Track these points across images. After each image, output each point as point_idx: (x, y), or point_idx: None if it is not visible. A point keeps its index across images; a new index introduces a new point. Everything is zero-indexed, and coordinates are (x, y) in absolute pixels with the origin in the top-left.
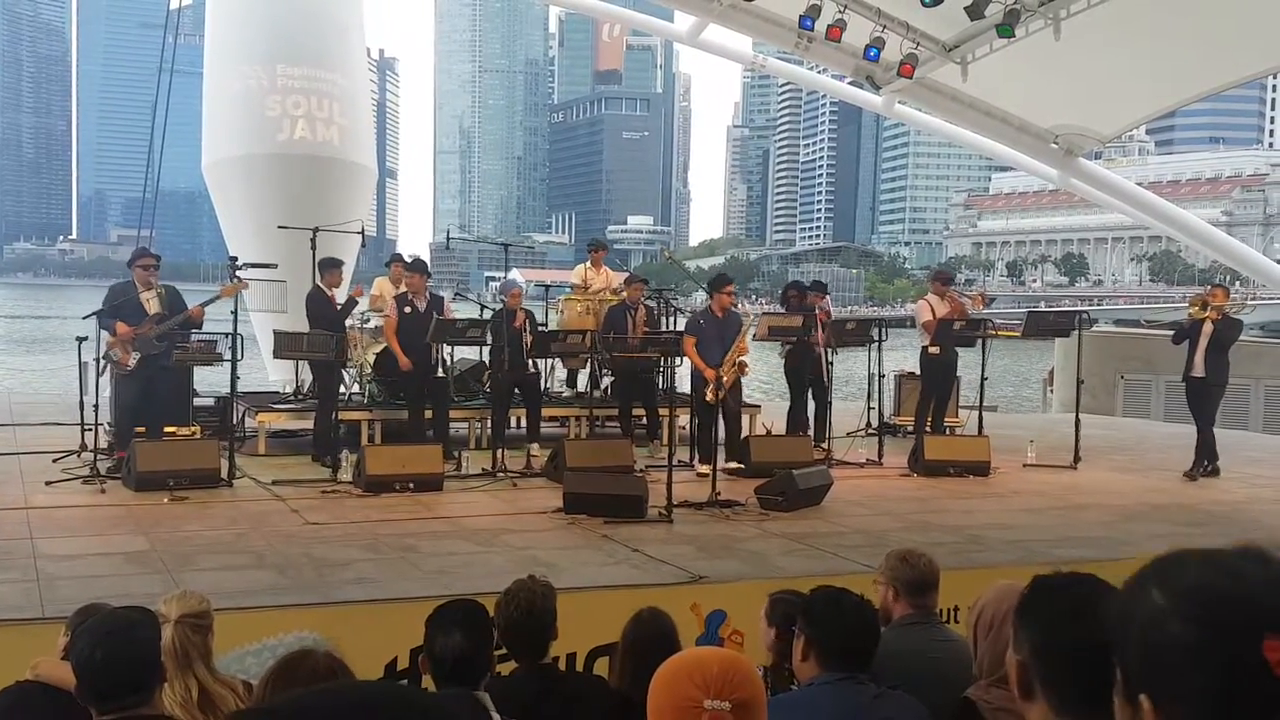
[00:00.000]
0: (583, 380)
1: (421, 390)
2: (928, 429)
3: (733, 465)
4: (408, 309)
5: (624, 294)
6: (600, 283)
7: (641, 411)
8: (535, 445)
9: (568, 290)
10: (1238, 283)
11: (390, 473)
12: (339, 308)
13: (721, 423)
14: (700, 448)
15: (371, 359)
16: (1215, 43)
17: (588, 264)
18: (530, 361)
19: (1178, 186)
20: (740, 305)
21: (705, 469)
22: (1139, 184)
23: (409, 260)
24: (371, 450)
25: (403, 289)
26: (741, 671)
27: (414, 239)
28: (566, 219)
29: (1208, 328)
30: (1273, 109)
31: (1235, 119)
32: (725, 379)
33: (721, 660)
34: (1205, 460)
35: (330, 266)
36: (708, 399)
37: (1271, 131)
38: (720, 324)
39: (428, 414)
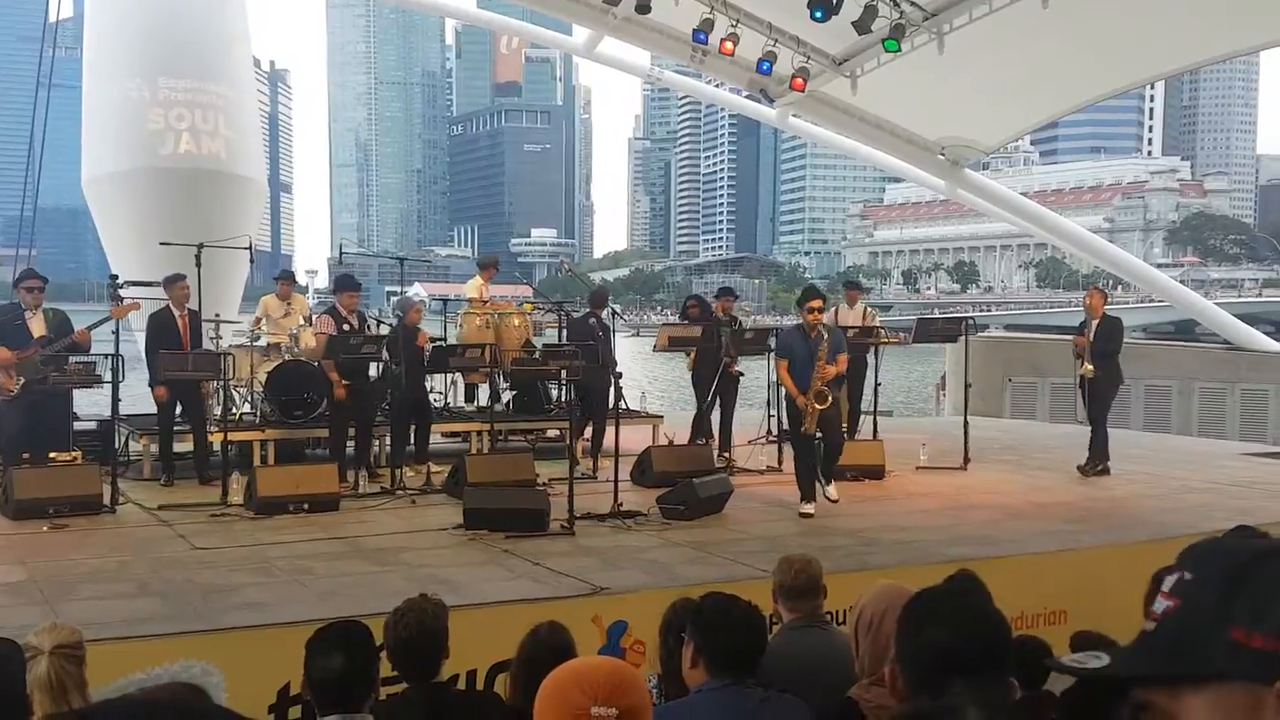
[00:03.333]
0: (483, 395)
1: (353, 410)
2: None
3: (832, 493)
4: (345, 326)
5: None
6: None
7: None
8: (429, 464)
9: (466, 305)
10: (1119, 287)
11: (283, 494)
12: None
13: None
14: (801, 485)
15: (263, 377)
16: (1094, 54)
17: (480, 280)
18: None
19: (1061, 195)
20: (646, 315)
21: (810, 509)
22: (1024, 193)
23: (338, 278)
24: (263, 471)
25: (288, 305)
26: (627, 679)
27: (311, 254)
28: (469, 232)
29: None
30: (1151, 118)
31: (1115, 128)
32: (810, 407)
33: (608, 668)
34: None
35: (170, 282)
36: (805, 429)
37: (1150, 140)
38: (813, 343)
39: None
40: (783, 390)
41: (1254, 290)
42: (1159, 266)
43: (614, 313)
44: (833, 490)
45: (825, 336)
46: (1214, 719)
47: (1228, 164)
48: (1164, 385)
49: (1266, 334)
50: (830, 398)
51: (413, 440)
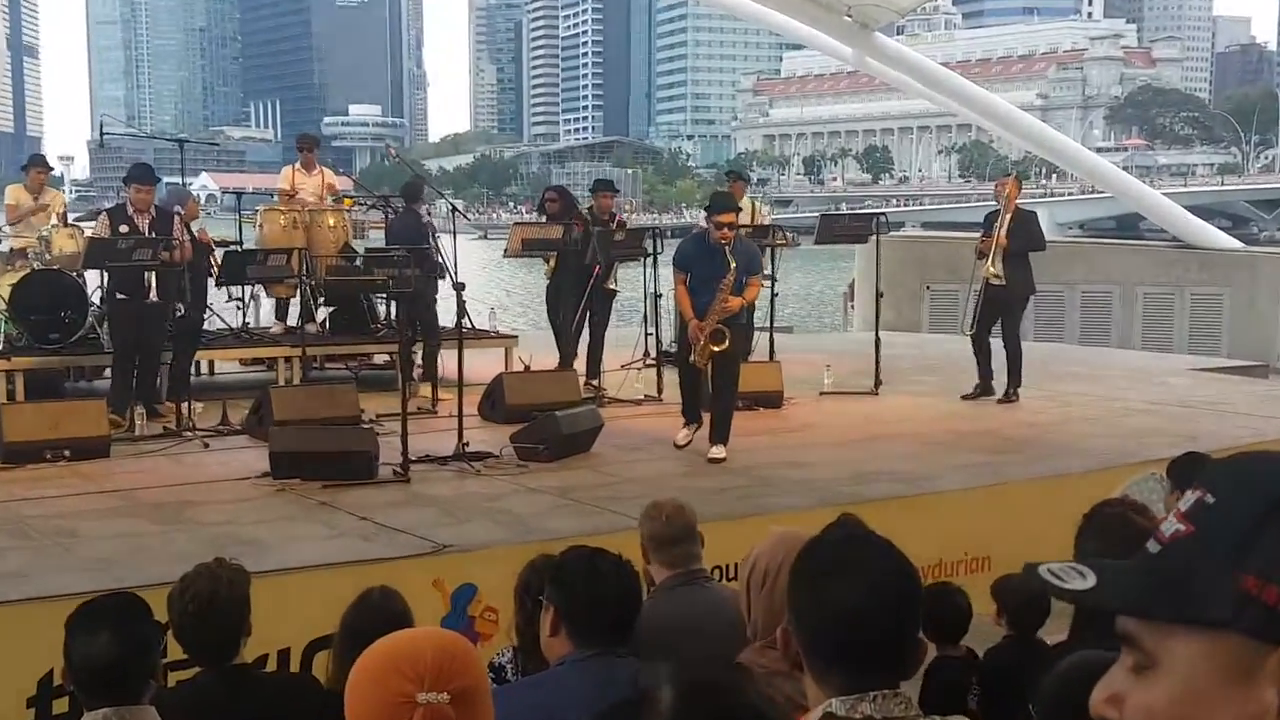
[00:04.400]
0: (292, 313)
1: (136, 333)
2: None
3: (718, 454)
4: (124, 227)
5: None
6: (312, 188)
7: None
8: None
9: (272, 199)
10: (1054, 176)
11: (38, 438)
12: None
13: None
14: (685, 408)
15: (7, 291)
16: None
17: (296, 165)
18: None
19: (988, 66)
20: (495, 213)
21: (683, 437)
22: (944, 64)
23: (130, 170)
24: (10, 410)
25: (40, 199)
26: (460, 655)
27: (66, 135)
28: (270, 109)
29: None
30: None
31: None
32: (704, 343)
33: (435, 644)
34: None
35: None
36: (693, 360)
37: (1090, 1)
38: (718, 263)
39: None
40: (666, 305)
41: (1208, 177)
42: (1099, 150)
43: (454, 209)
44: (719, 451)
45: (733, 264)
46: (1204, 669)
47: (1179, 28)
48: (1103, 291)
49: (1222, 229)
50: (727, 339)
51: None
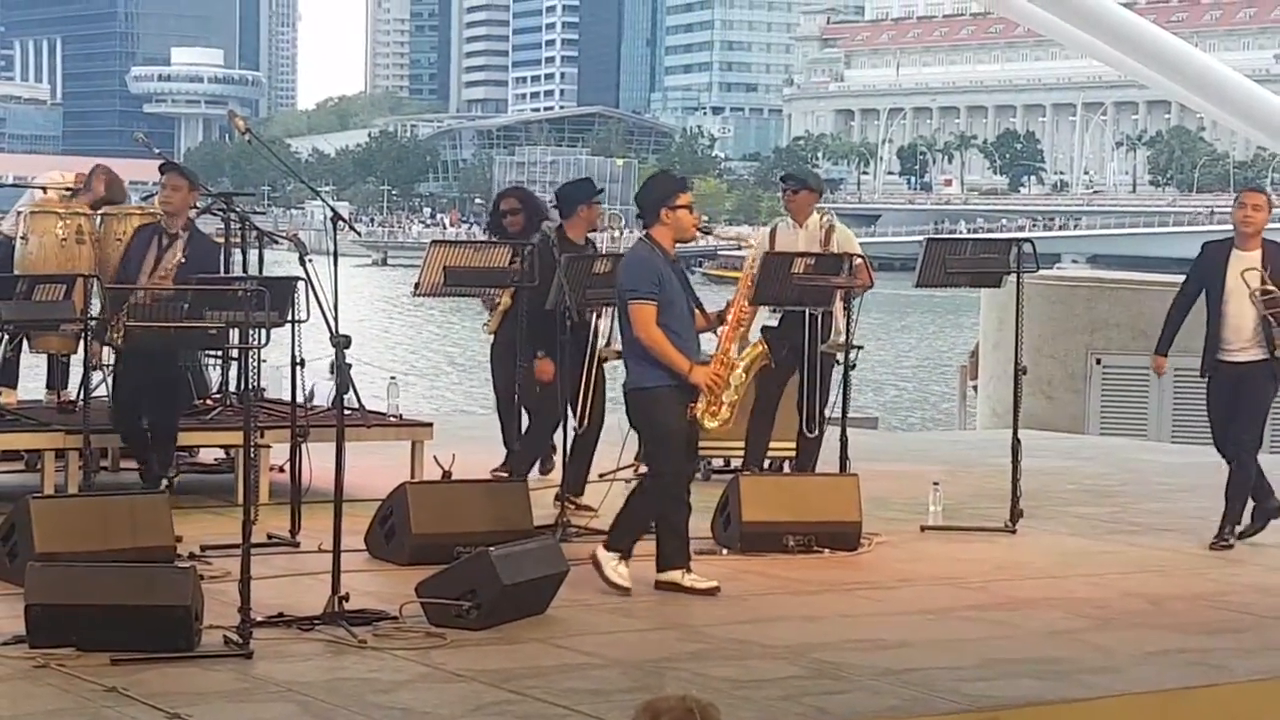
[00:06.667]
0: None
1: None
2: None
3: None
4: None
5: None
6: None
7: None
8: None
9: (35, 198)
10: None
11: None
12: None
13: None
14: (663, 551)
15: None
16: None
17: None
18: None
19: (1197, 8)
20: (402, 226)
21: (702, 581)
22: (1128, 3)
23: None
24: None
25: None
26: None
27: None
28: (44, 53)
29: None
30: None
31: None
32: (711, 390)
33: None
34: (1242, 519)
35: None
36: (705, 413)
37: None
38: (680, 273)
39: None
40: None
41: None
42: None
43: (334, 217)
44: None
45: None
46: None
47: None
48: None
49: None
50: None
51: None
